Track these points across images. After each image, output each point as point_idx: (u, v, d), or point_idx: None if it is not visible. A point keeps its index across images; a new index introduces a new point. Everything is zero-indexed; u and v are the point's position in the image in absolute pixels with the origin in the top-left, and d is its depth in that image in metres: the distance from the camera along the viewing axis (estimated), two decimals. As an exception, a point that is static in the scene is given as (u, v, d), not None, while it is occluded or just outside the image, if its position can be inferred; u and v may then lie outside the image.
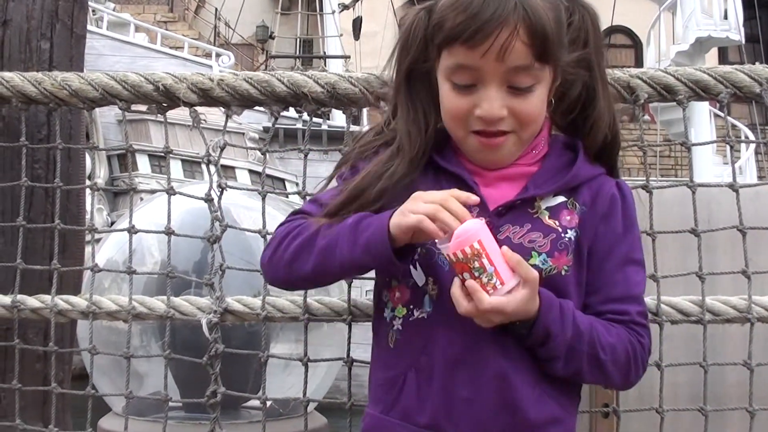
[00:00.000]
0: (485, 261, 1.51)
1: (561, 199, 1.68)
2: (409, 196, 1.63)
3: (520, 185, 1.68)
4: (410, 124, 1.71)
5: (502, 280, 1.52)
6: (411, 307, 1.67)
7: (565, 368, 1.62)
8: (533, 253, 1.63)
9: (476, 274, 1.51)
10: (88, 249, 2.71)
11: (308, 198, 1.91)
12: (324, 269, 1.69)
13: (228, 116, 2.31)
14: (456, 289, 1.54)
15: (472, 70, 1.59)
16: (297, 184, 2.15)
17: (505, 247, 1.55)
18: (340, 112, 2.31)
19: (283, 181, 15.32)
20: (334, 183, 1.82)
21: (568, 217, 1.67)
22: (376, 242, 1.60)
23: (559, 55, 1.62)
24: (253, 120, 14.77)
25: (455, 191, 1.57)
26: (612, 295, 1.68)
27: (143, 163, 14.77)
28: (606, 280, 1.69)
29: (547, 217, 1.66)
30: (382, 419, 1.69)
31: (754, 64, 2.30)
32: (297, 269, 1.72)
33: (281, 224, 1.79)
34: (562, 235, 1.66)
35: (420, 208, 1.55)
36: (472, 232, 1.51)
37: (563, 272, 1.65)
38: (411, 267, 1.67)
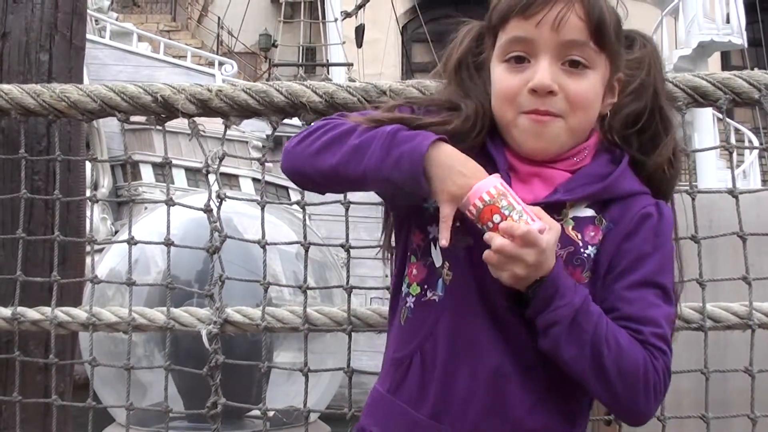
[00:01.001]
0: (512, 199, 1.51)
1: (591, 212, 1.64)
2: None
3: (551, 188, 1.64)
4: (467, 99, 1.70)
5: (531, 217, 1.50)
6: (425, 286, 1.67)
7: (568, 344, 1.52)
8: None
9: (506, 212, 1.49)
10: (89, 260, 2.71)
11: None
12: (347, 169, 1.64)
13: (227, 127, 2.31)
14: (489, 232, 1.50)
15: (527, 43, 1.60)
16: (301, 193, 2.14)
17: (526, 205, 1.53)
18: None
19: (286, 189, 15.29)
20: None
21: (593, 233, 1.62)
22: (411, 159, 1.57)
23: (615, 48, 1.63)
24: (257, 128, 14.76)
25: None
26: (626, 314, 1.58)
27: (147, 172, 14.75)
28: (621, 298, 1.59)
29: (570, 228, 1.62)
30: (387, 398, 1.70)
31: (757, 67, 2.30)
32: (320, 162, 1.66)
33: (323, 118, 1.76)
34: (581, 250, 1.61)
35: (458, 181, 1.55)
36: (490, 177, 1.53)
37: None
38: (432, 245, 1.67)
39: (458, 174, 1.56)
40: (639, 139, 1.73)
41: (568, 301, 1.53)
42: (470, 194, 1.52)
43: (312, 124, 1.74)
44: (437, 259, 1.65)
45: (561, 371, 1.60)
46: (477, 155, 1.66)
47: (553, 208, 1.62)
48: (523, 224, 1.48)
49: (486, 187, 1.51)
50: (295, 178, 1.77)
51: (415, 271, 1.69)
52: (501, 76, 1.64)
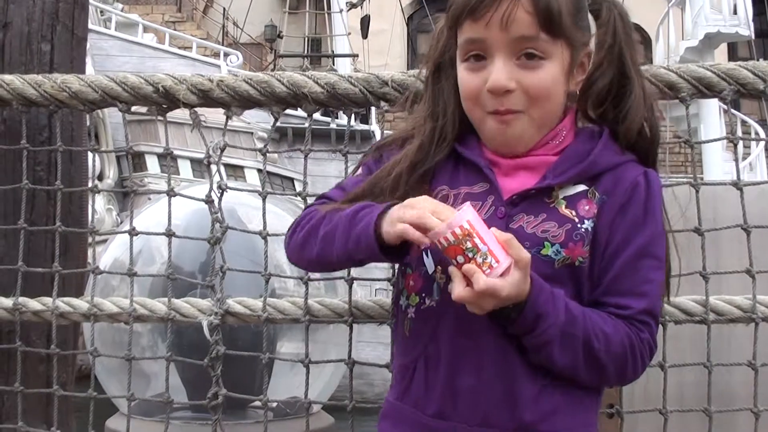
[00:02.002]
0: (477, 240, 1.49)
1: (581, 188, 1.65)
2: (426, 187, 1.67)
3: (539, 175, 1.65)
4: (428, 111, 1.74)
5: (497, 258, 1.49)
6: (423, 295, 1.68)
7: (561, 356, 1.56)
8: (546, 243, 1.60)
9: (470, 255, 1.48)
10: (91, 250, 2.71)
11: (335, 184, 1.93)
12: (326, 256, 1.72)
13: (228, 117, 2.31)
14: (452, 275, 1.51)
15: (480, 44, 1.61)
16: (307, 183, 2.17)
17: (494, 228, 1.52)
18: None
19: (292, 180, 15.32)
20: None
21: (587, 207, 1.63)
22: (366, 237, 1.61)
23: (571, 33, 1.62)
24: (262, 119, 14.77)
25: (441, 204, 1.57)
26: (616, 287, 1.62)
27: (152, 162, 14.75)
28: (615, 272, 1.62)
29: (563, 207, 1.63)
30: (396, 405, 1.71)
31: (764, 58, 2.29)
32: (306, 254, 1.76)
33: (307, 206, 1.84)
34: (578, 225, 1.62)
35: (406, 215, 1.55)
36: (459, 214, 1.51)
37: (578, 263, 1.61)
38: (423, 254, 1.67)
39: (393, 212, 1.59)
40: (615, 112, 1.71)
41: (553, 321, 1.55)
42: (439, 228, 1.50)
43: (298, 216, 1.83)
44: (430, 265, 1.66)
45: None
46: (454, 163, 1.70)
47: (543, 192, 1.63)
48: (483, 276, 1.47)
49: (453, 225, 1.50)
50: (301, 266, 1.94)
51: (412, 282, 1.70)
52: (463, 77, 1.66)
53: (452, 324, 1.63)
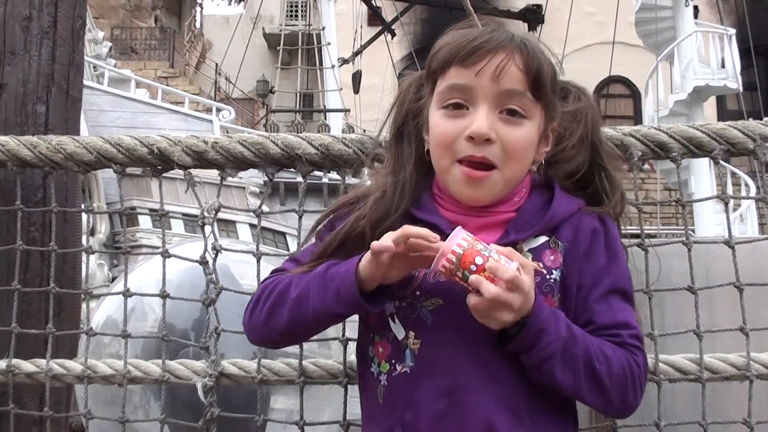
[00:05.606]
0: (484, 245, 1.52)
1: (543, 239, 1.68)
2: None
3: (500, 231, 1.67)
4: (389, 168, 1.76)
5: (506, 259, 1.52)
6: (393, 361, 1.67)
7: (562, 374, 1.56)
8: None
9: (486, 254, 1.51)
10: (84, 306, 2.69)
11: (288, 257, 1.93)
12: (299, 321, 1.70)
13: (222, 178, 2.31)
14: (475, 275, 1.50)
15: (466, 90, 1.63)
16: (301, 243, 2.20)
17: (493, 244, 1.55)
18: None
19: (284, 234, 15.28)
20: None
21: (552, 257, 1.66)
22: (345, 287, 1.62)
23: (550, 100, 1.67)
24: (254, 174, 14.76)
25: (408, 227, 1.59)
26: (601, 323, 1.65)
27: (144, 218, 14.73)
28: (591, 310, 1.66)
29: (530, 260, 1.63)
30: None
31: (752, 111, 2.31)
32: (274, 325, 1.73)
33: (262, 282, 1.82)
34: (547, 276, 1.65)
35: (412, 231, 1.57)
36: (457, 229, 1.55)
37: None
38: (390, 320, 1.68)
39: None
40: (584, 193, 1.76)
41: (555, 335, 1.56)
42: (443, 249, 1.52)
43: (255, 292, 1.81)
44: (398, 331, 1.67)
45: (551, 416, 1.64)
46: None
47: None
48: (510, 267, 1.50)
49: (457, 237, 1.52)
50: (266, 345, 2.01)
51: (381, 349, 1.70)
52: (438, 123, 1.67)
53: (431, 390, 1.62)
